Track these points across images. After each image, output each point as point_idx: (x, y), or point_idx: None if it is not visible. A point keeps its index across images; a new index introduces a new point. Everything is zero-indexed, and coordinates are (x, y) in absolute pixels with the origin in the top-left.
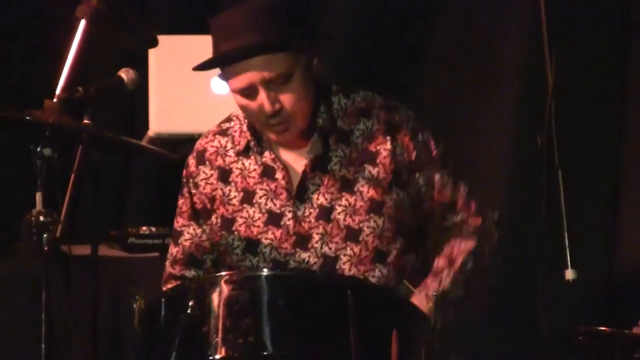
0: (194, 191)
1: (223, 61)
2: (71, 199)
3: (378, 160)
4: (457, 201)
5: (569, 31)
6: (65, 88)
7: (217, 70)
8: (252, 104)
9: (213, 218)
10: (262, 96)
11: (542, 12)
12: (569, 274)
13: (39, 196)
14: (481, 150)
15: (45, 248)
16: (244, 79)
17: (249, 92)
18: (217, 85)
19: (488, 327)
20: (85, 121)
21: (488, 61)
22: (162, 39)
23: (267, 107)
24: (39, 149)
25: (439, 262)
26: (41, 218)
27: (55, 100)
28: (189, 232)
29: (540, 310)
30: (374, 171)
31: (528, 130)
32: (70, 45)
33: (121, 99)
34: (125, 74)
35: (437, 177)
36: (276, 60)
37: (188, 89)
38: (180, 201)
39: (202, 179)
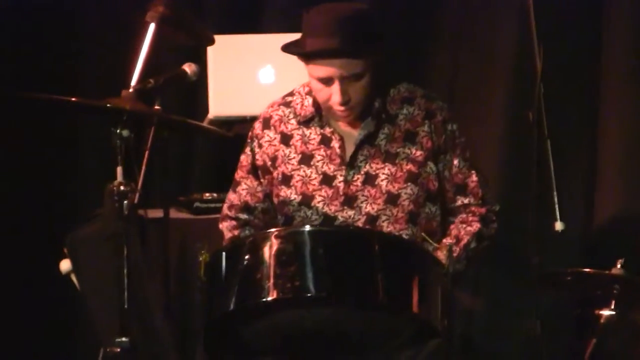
0: (257, 150)
1: (308, 56)
2: (146, 171)
3: (417, 140)
4: (468, 185)
5: (553, 26)
6: (139, 80)
7: (264, 63)
8: (326, 90)
9: (274, 173)
10: (336, 88)
11: (531, 12)
12: (558, 226)
13: (119, 170)
14: (482, 125)
15: (125, 212)
16: (324, 71)
17: (325, 81)
18: (263, 76)
19: (489, 271)
20: (156, 107)
21: (486, 53)
22: (218, 38)
23: (339, 98)
24: (118, 131)
25: (447, 241)
26: (121, 188)
27: (131, 90)
28: (246, 183)
29: (533, 255)
30: (413, 148)
31: (522, 107)
32: (139, 45)
33: (185, 88)
34: (188, 67)
35: (455, 161)
36: (353, 62)
37: (240, 79)
38: (242, 157)
39: (266, 141)
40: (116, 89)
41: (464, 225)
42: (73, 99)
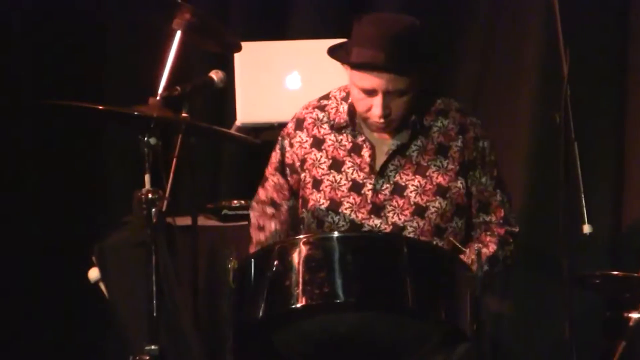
0: (287, 148)
1: (353, 66)
2: (174, 178)
3: (449, 153)
4: (491, 204)
5: (579, 28)
6: (166, 87)
7: (291, 69)
8: (367, 101)
9: (302, 176)
10: (378, 101)
11: (557, 16)
12: (586, 229)
13: (147, 177)
14: (509, 127)
15: (154, 220)
16: (369, 83)
17: (368, 92)
18: (290, 82)
19: (518, 274)
20: (184, 114)
21: (513, 56)
22: (245, 44)
23: (379, 111)
24: (146, 139)
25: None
26: (149, 195)
27: (158, 97)
28: (273, 180)
29: (561, 258)
30: (445, 162)
31: (548, 110)
32: (166, 52)
33: (212, 95)
34: (215, 75)
35: (483, 179)
36: (400, 79)
37: (267, 86)
38: (273, 154)
39: (297, 141)
40: (143, 96)
41: (481, 247)
42: (100, 107)
